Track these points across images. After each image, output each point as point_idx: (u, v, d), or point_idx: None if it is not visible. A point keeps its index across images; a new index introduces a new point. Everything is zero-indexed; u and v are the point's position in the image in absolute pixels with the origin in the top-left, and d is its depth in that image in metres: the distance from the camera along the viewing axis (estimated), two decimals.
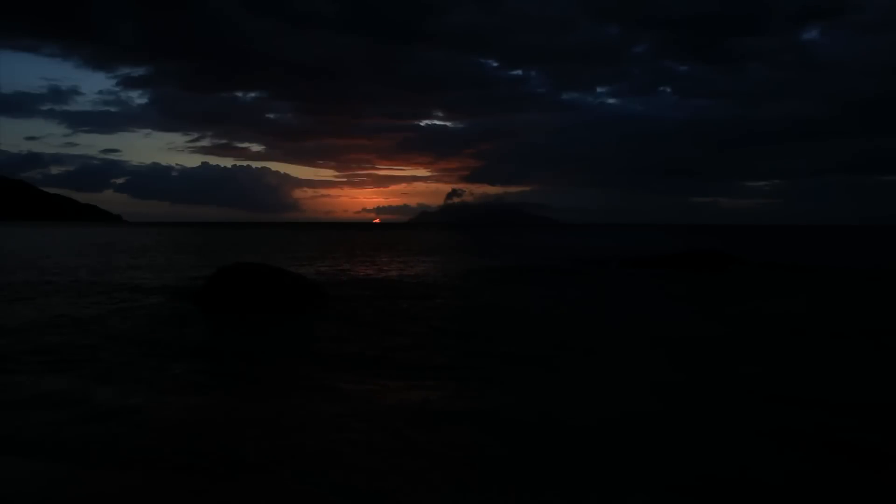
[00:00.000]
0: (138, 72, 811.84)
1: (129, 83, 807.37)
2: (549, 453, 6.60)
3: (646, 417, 7.78)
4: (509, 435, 7.16)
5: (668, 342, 12.83)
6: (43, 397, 8.57)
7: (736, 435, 7.14)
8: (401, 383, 9.43)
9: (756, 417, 7.80)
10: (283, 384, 9.52)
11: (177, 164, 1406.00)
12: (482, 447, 6.82)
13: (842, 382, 9.73)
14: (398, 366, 10.62)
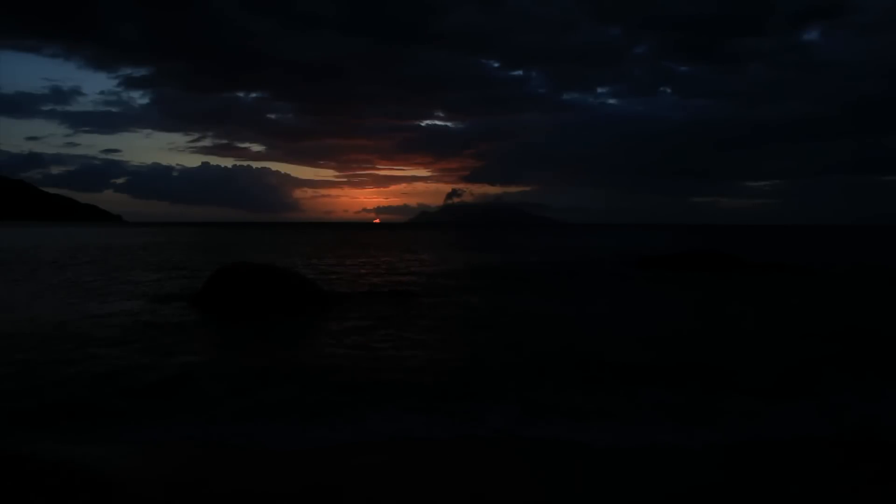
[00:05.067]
0: (140, 72, 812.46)
1: (130, 83, 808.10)
2: None
3: None
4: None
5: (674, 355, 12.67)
6: None
7: None
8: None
9: None
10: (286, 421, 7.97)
11: (177, 165, 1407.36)
12: None
13: None
14: (418, 390, 9.25)
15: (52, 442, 6.98)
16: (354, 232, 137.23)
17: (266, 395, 9.01)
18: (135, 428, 7.66)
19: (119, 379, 9.82)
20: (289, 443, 7.22)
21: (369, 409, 8.39)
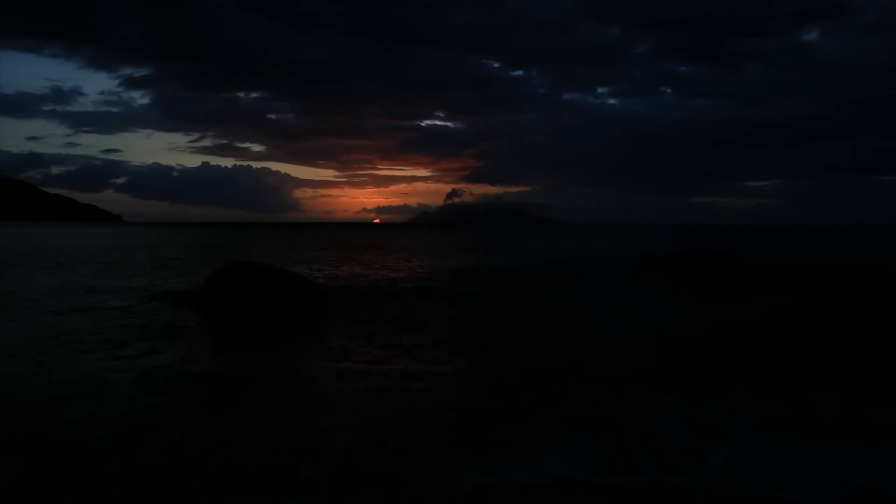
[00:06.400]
0: (140, 72, 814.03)
1: (131, 83, 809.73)
2: None
3: None
4: None
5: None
6: None
7: None
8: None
9: None
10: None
11: (177, 165, 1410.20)
12: None
13: None
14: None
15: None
16: (354, 232, 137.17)
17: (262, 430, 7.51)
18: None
19: (102, 400, 8.77)
20: None
21: (367, 450, 6.87)
